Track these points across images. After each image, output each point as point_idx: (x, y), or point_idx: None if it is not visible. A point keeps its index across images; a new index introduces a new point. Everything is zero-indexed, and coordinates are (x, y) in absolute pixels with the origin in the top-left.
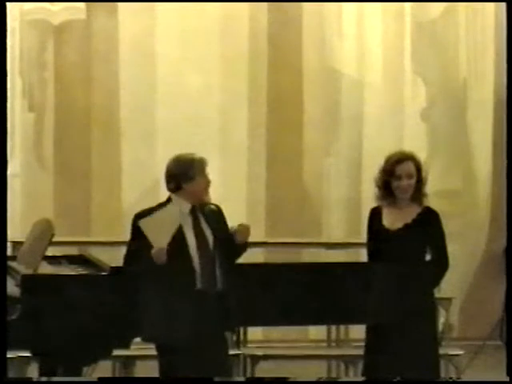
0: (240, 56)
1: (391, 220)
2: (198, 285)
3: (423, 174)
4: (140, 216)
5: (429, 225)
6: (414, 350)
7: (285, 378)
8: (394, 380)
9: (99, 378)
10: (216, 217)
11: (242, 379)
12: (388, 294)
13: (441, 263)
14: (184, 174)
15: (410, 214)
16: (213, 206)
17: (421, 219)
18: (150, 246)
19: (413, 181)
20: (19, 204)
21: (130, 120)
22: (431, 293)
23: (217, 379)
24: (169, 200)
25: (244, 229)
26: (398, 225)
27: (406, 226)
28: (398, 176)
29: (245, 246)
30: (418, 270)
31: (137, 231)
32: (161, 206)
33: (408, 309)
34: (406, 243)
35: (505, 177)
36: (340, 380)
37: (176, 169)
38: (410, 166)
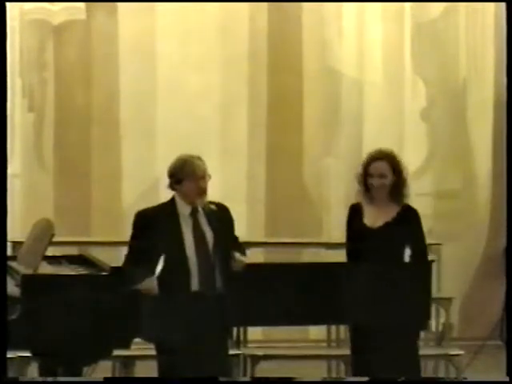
0: (240, 56)
1: (372, 218)
2: (196, 286)
3: (403, 174)
4: (142, 214)
5: (409, 223)
6: (393, 349)
7: (290, 378)
8: (398, 380)
9: (105, 378)
10: (218, 218)
11: (241, 379)
12: (375, 293)
13: (421, 260)
14: (173, 175)
15: (390, 212)
16: (213, 207)
17: (401, 217)
18: (151, 244)
19: (385, 180)
20: (19, 204)
21: (130, 120)
22: (415, 292)
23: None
24: (172, 199)
25: (238, 263)
26: (379, 223)
27: (387, 224)
28: (371, 174)
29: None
30: (402, 269)
31: (138, 229)
32: (164, 205)
33: (390, 308)
34: (387, 241)
35: (505, 177)
36: (341, 380)
37: (169, 170)
38: (382, 166)
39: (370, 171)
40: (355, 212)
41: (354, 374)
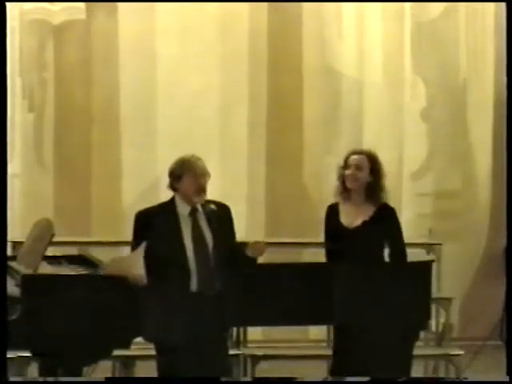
0: (240, 56)
1: (349, 218)
2: (195, 287)
3: (380, 174)
4: (142, 214)
5: (386, 221)
6: (382, 349)
7: (290, 378)
8: (399, 380)
9: (107, 378)
10: (218, 217)
11: (241, 379)
12: (375, 294)
13: (399, 257)
14: (173, 173)
15: (367, 211)
16: (213, 207)
17: (378, 216)
18: (151, 243)
19: (362, 173)
20: (19, 204)
21: (130, 120)
22: (414, 292)
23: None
24: (172, 199)
25: (258, 246)
26: (357, 222)
27: (364, 223)
28: (348, 166)
29: (254, 260)
30: (383, 268)
31: (138, 229)
32: (164, 204)
33: (389, 308)
34: (364, 241)
35: (505, 177)
36: (341, 380)
37: (169, 169)
38: (361, 159)
39: (348, 162)
40: (332, 212)
41: (335, 374)
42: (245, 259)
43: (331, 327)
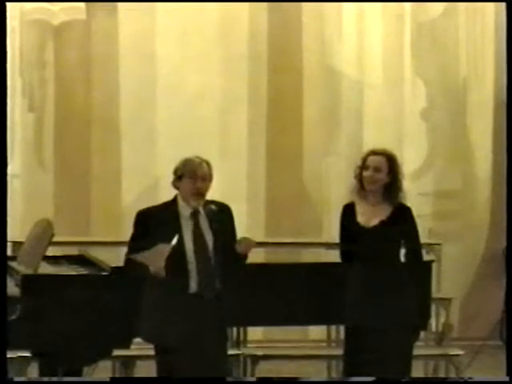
0: (240, 56)
1: (366, 217)
2: (195, 288)
3: (399, 175)
4: (143, 213)
5: (404, 221)
6: (383, 349)
7: (292, 378)
8: (402, 380)
9: (111, 378)
10: (219, 218)
11: (241, 379)
12: (376, 294)
13: (416, 259)
14: (176, 172)
15: (384, 211)
16: (214, 207)
17: (395, 216)
18: (151, 244)
19: (380, 175)
20: (19, 204)
21: (130, 120)
22: (415, 292)
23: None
24: (174, 199)
25: (247, 242)
26: (374, 222)
27: (382, 223)
28: (367, 167)
29: (244, 257)
30: (402, 269)
31: (139, 228)
32: (165, 204)
33: (390, 308)
34: (382, 240)
35: (505, 177)
36: (341, 380)
37: (174, 167)
38: (379, 160)
39: (366, 163)
40: (348, 211)
41: (348, 374)
42: (235, 254)
43: (331, 327)
